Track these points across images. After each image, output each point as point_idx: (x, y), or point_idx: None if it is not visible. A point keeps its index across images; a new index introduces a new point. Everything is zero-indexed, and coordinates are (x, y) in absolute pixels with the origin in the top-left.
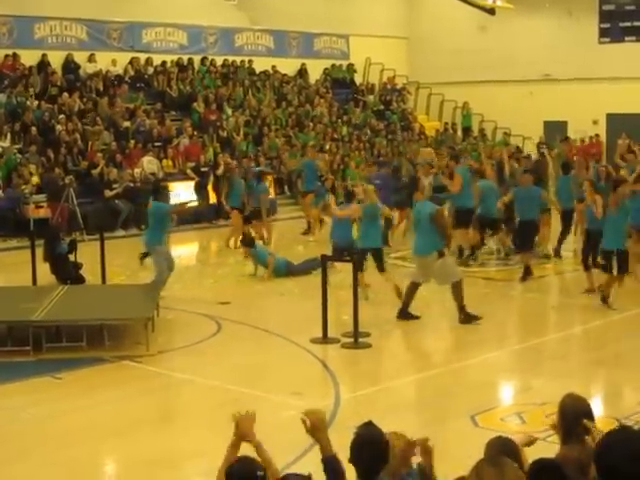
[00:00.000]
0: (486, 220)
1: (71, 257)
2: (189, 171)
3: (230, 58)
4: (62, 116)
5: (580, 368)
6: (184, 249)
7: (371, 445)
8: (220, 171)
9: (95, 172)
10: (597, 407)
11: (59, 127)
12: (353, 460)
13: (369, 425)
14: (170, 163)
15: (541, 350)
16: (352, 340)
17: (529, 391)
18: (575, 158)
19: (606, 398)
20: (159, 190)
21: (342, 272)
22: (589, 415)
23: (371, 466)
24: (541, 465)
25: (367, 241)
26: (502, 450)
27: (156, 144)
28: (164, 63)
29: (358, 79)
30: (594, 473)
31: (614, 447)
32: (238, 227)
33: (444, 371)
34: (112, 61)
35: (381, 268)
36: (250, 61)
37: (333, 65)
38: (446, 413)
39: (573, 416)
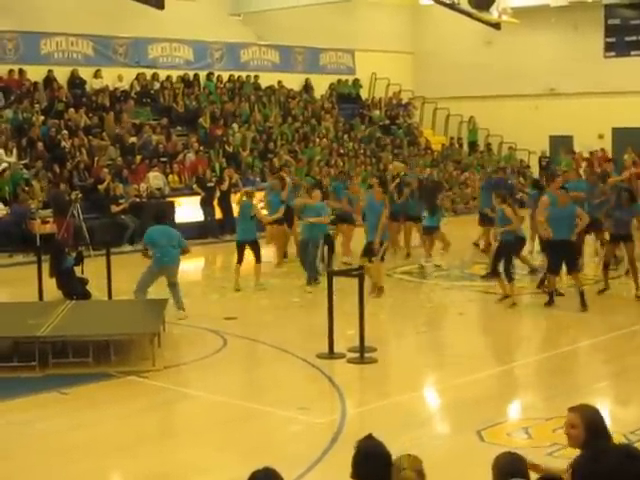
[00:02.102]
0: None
1: (78, 269)
2: (195, 186)
3: (236, 73)
4: (65, 131)
5: (587, 383)
6: (190, 264)
7: (374, 459)
8: (225, 186)
9: (101, 187)
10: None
11: (65, 143)
12: (355, 475)
13: (370, 438)
14: (176, 178)
15: (548, 364)
16: (358, 355)
17: (536, 406)
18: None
19: (612, 412)
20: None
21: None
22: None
23: None
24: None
25: (241, 235)
26: (510, 465)
27: (162, 159)
28: (170, 78)
29: (364, 94)
30: None
31: (592, 461)
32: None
33: (450, 386)
34: (118, 76)
35: (258, 259)
36: (256, 76)
37: (339, 80)
38: (452, 428)
39: (591, 427)
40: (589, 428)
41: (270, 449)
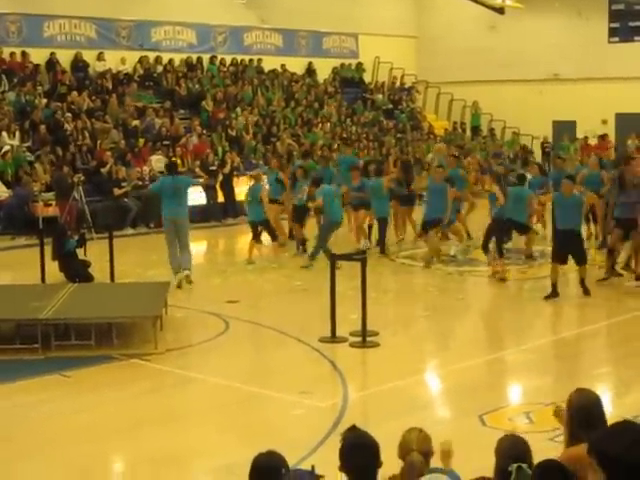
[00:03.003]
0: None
1: (81, 251)
2: (198, 170)
3: (239, 57)
4: (69, 114)
5: (589, 367)
6: (192, 247)
7: (360, 449)
8: (227, 170)
9: (104, 170)
10: (605, 407)
11: (68, 126)
12: (343, 467)
13: (354, 429)
14: (179, 162)
15: (550, 350)
16: (360, 339)
17: (537, 391)
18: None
19: (614, 397)
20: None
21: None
22: (601, 408)
23: (362, 472)
24: (546, 467)
25: (251, 216)
26: (513, 448)
27: (165, 143)
28: (173, 62)
29: (367, 78)
30: None
31: (613, 438)
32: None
33: (452, 370)
34: (121, 60)
35: (257, 240)
36: (259, 60)
37: (342, 64)
38: (454, 412)
39: (579, 411)
40: (572, 412)
41: (272, 432)
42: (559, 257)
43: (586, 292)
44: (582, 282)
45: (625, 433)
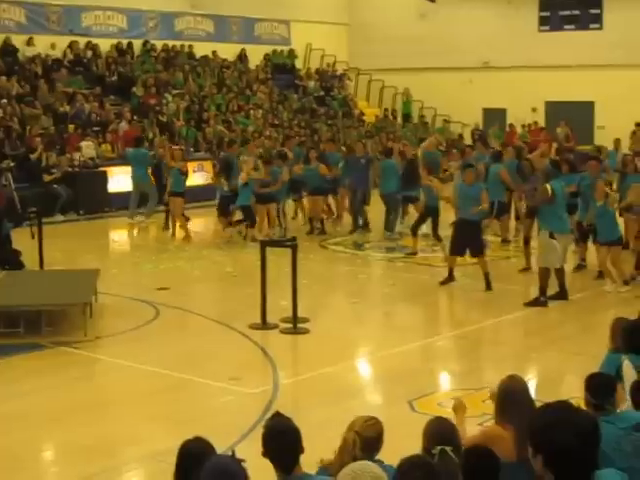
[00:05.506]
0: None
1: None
2: None
3: (170, 43)
4: (4, 100)
5: (518, 354)
6: (123, 234)
7: (282, 435)
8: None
9: (34, 156)
10: (534, 392)
11: None
12: (265, 452)
13: (278, 416)
14: (109, 148)
15: (479, 336)
16: (291, 326)
17: (467, 376)
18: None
19: (544, 383)
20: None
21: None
22: (526, 395)
23: (284, 457)
24: (473, 452)
25: (240, 200)
26: (440, 430)
27: (95, 129)
28: (103, 47)
29: (299, 65)
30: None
31: (538, 415)
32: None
33: (382, 356)
34: (51, 45)
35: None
36: (190, 46)
37: (274, 50)
38: (384, 398)
39: (504, 395)
40: (498, 397)
41: (202, 419)
42: (456, 249)
43: (488, 287)
44: (486, 277)
45: (550, 413)
